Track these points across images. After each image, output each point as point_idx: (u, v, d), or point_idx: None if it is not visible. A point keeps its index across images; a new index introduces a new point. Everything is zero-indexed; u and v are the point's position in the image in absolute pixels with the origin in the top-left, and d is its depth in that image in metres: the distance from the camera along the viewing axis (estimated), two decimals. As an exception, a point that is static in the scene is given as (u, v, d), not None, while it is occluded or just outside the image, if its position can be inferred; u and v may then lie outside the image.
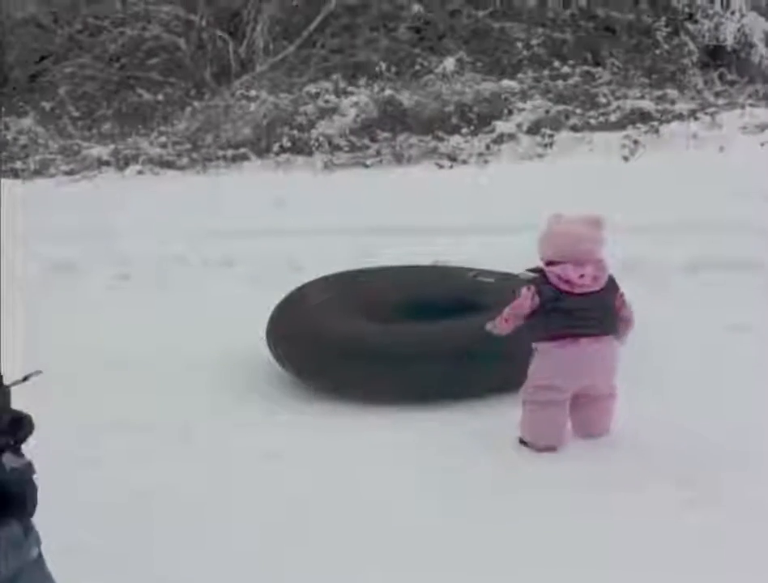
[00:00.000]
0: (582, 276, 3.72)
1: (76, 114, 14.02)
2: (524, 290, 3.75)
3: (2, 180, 9.71)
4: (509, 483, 3.51)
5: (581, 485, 3.44)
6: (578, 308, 3.71)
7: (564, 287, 3.70)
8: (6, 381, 1.95)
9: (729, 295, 5.54)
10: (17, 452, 1.93)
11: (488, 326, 3.87)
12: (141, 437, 4.01)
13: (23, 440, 1.95)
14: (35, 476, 1.95)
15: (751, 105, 11.16)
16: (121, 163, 11.92)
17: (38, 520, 1.97)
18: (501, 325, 3.82)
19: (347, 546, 3.09)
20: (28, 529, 1.96)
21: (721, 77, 14.04)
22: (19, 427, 1.94)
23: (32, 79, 15.19)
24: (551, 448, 3.76)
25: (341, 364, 4.35)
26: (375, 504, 3.36)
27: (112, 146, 12.48)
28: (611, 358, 3.78)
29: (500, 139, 11.06)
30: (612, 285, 3.78)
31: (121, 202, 9.28)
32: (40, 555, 2.00)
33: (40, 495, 1.96)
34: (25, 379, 2.01)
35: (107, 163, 11.99)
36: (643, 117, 10.96)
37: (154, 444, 3.94)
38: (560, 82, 12.43)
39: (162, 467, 3.71)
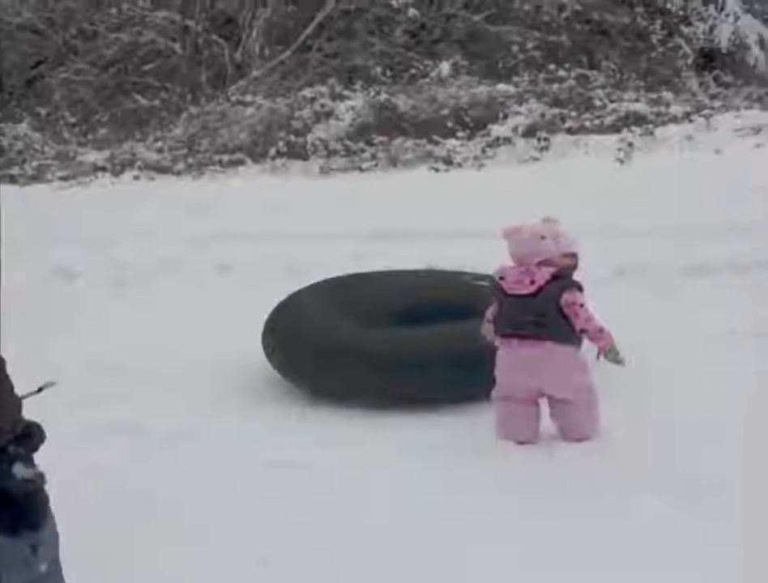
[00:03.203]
0: (502, 278, 3.80)
1: (72, 120, 14.01)
2: None
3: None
4: (502, 483, 3.51)
5: (572, 488, 3.43)
6: (510, 310, 3.80)
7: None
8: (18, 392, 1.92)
9: (728, 297, 5.54)
10: (28, 461, 1.90)
11: (483, 332, 3.93)
12: (141, 442, 4.02)
13: (35, 449, 1.92)
14: (46, 486, 1.92)
15: (746, 107, 11.17)
16: (117, 168, 11.91)
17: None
18: (486, 328, 3.95)
19: (349, 550, 3.09)
20: (37, 545, 1.93)
21: (716, 79, 14.08)
22: (30, 436, 1.91)
23: (28, 85, 15.20)
24: (523, 443, 3.81)
25: (334, 369, 4.36)
26: (377, 509, 3.36)
27: (108, 152, 12.47)
28: (554, 364, 3.75)
29: (496, 143, 11.05)
30: (553, 292, 3.72)
31: (118, 207, 9.28)
32: (48, 569, 1.97)
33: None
34: (39, 390, 1.99)
35: (103, 169, 11.97)
36: (638, 119, 10.98)
37: (154, 449, 3.94)
38: (555, 86, 12.44)
39: (163, 473, 3.71)
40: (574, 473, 3.57)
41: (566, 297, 3.71)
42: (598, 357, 3.78)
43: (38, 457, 1.92)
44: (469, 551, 3.04)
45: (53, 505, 1.98)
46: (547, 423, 3.88)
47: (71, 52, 15.06)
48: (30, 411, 1.95)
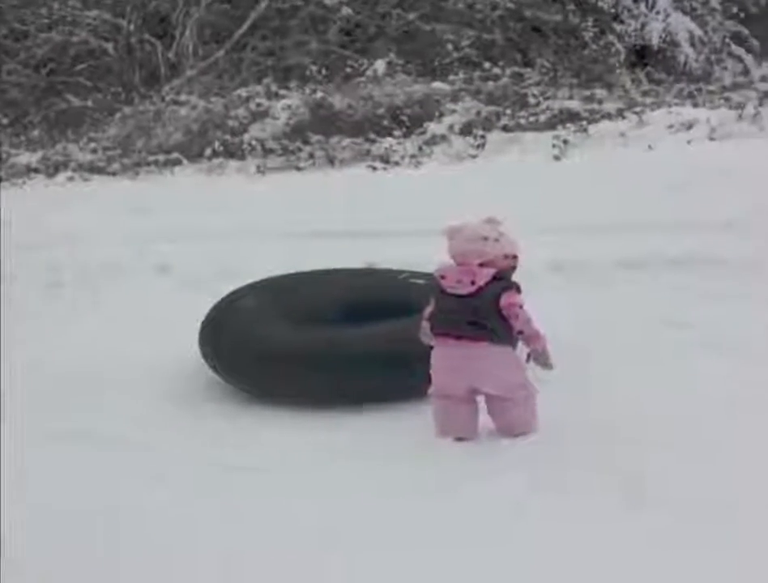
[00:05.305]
0: (443, 277, 3.82)
1: (3, 121, 13.82)
2: None
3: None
4: (441, 483, 3.51)
5: (513, 488, 3.41)
6: (448, 309, 3.80)
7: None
8: None
9: (660, 292, 5.60)
10: None
11: (422, 336, 3.93)
12: (78, 449, 3.95)
13: None
14: None
15: (677, 104, 11.35)
16: (51, 170, 11.78)
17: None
18: (425, 331, 3.91)
19: (297, 552, 3.08)
20: None
21: (648, 76, 14.30)
22: None
23: (-42, 86, 14.95)
24: (462, 439, 3.83)
25: (272, 369, 4.34)
26: (319, 509, 3.36)
27: (41, 153, 12.33)
28: (490, 363, 3.77)
29: (432, 141, 11.11)
30: (493, 293, 3.73)
31: (52, 209, 9.17)
32: None
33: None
34: None
35: (36, 170, 11.84)
36: (572, 116, 11.10)
37: (91, 456, 3.88)
38: (490, 84, 12.55)
39: (101, 480, 3.66)
40: (514, 471, 3.57)
41: (506, 298, 3.73)
42: (528, 359, 3.81)
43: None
44: (407, 554, 3.03)
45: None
46: (485, 419, 3.90)
47: (2, 52, 14.84)
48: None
